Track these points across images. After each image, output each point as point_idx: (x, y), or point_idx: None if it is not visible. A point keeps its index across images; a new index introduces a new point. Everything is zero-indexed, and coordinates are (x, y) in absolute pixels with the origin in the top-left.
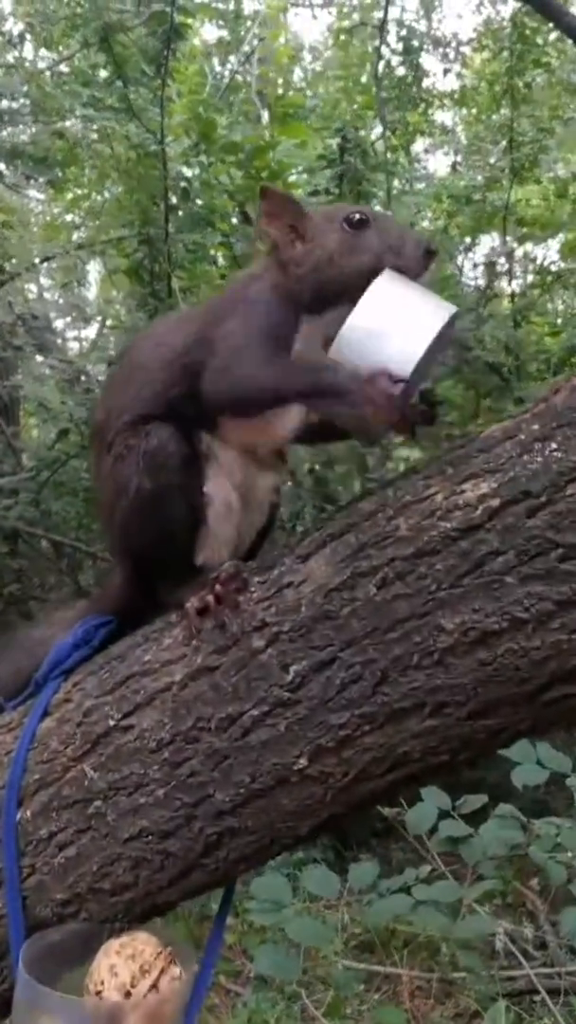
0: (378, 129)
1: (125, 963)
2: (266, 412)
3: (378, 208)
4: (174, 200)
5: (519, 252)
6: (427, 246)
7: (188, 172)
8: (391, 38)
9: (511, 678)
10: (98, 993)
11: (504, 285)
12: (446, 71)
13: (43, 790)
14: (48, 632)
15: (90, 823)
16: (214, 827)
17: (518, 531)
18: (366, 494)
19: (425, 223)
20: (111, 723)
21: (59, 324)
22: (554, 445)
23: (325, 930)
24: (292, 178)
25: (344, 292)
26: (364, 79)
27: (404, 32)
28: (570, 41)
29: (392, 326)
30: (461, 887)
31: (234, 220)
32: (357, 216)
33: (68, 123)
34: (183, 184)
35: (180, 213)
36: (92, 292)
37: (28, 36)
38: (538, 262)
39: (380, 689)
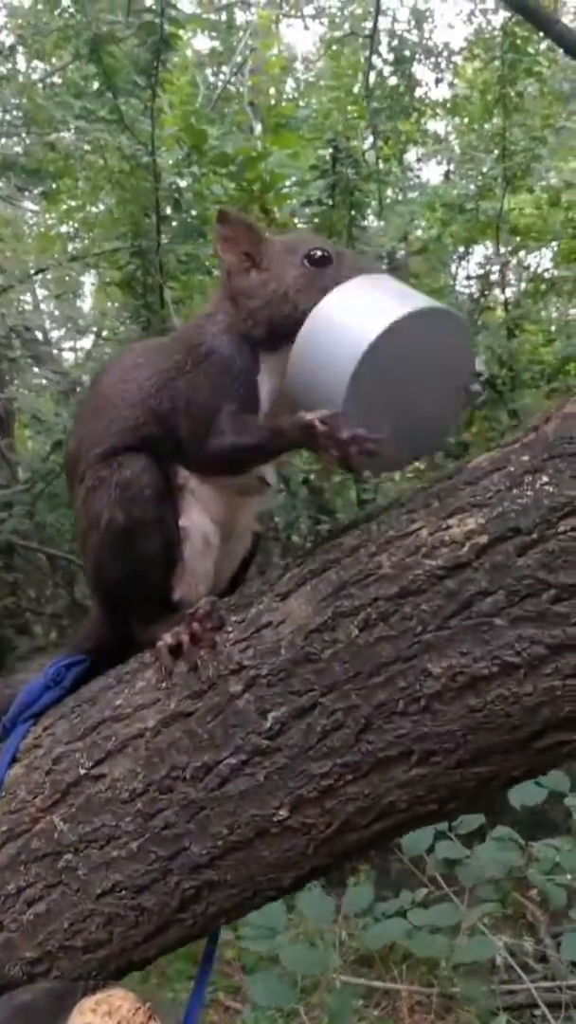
0: (371, 139)
1: (102, 1021)
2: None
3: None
4: (168, 211)
5: (512, 261)
6: None
7: (181, 183)
8: (383, 48)
9: (502, 725)
10: None
11: (498, 293)
12: (438, 81)
13: (11, 842)
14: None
15: (60, 877)
16: (191, 881)
17: (508, 570)
18: (347, 527)
19: (419, 232)
20: (81, 772)
21: (55, 335)
22: (545, 478)
23: (321, 955)
24: (284, 189)
25: (298, 330)
26: (356, 89)
27: (395, 42)
28: (561, 50)
29: (324, 355)
30: (459, 909)
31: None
32: (319, 252)
33: (61, 135)
34: (175, 195)
35: (174, 224)
36: (88, 303)
37: (20, 48)
38: (532, 270)
39: (364, 737)
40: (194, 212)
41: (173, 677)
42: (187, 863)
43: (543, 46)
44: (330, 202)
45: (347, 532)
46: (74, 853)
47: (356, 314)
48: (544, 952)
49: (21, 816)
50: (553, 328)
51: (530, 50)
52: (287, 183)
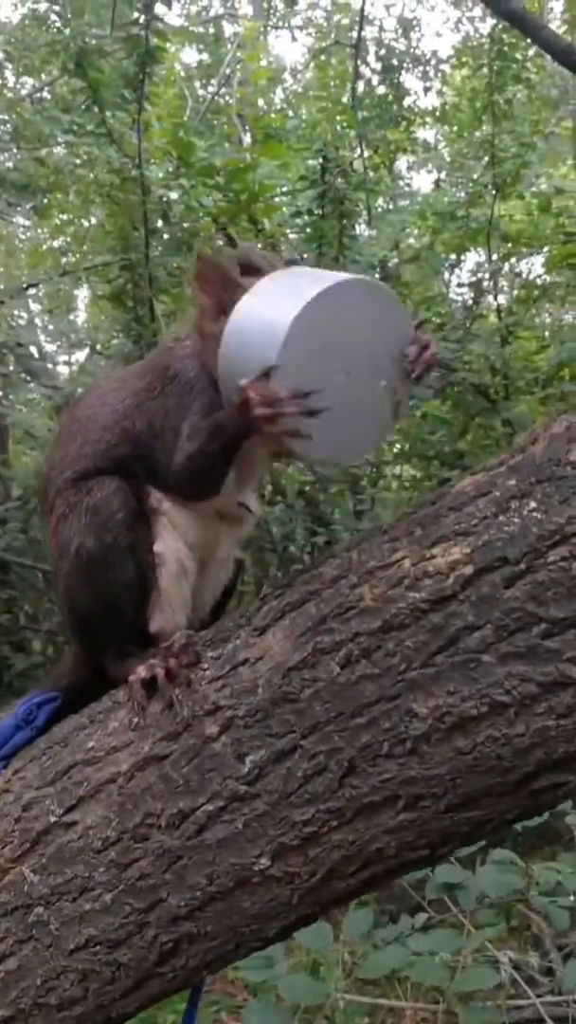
0: (359, 148)
1: None
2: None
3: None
4: (158, 224)
5: (504, 267)
6: None
7: (172, 195)
8: (370, 58)
9: (493, 768)
10: None
11: (491, 300)
12: (427, 89)
13: None
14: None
15: (32, 932)
16: (169, 934)
17: (495, 603)
18: (327, 557)
19: (410, 240)
20: (52, 819)
21: (49, 349)
22: (533, 504)
23: (320, 986)
24: (274, 199)
25: None
26: (344, 99)
27: (383, 51)
28: (548, 56)
29: (256, 328)
30: (459, 936)
31: (218, 243)
32: None
33: (51, 150)
34: (164, 208)
35: (165, 236)
36: (81, 317)
37: (8, 64)
38: (523, 276)
39: (347, 781)
40: (184, 224)
41: (147, 717)
42: (165, 915)
43: (531, 52)
44: (320, 212)
45: (327, 562)
46: (45, 906)
47: (286, 289)
48: (550, 966)
49: None
50: (547, 334)
51: (518, 56)
52: (276, 194)
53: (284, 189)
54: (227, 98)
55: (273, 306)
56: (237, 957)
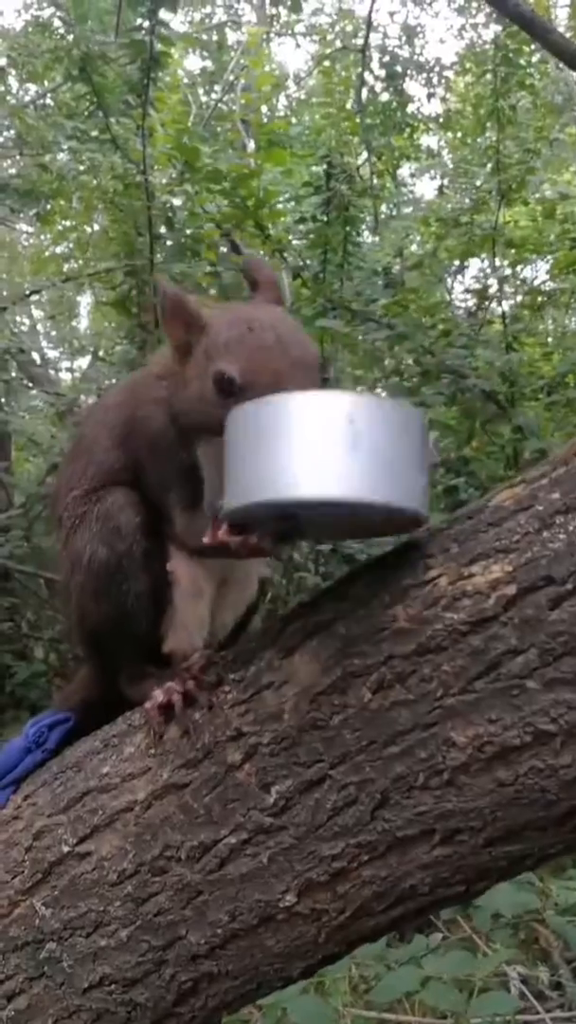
0: (364, 155)
1: None
2: None
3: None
4: (162, 230)
5: (509, 274)
6: None
7: (175, 202)
8: (374, 64)
9: (536, 800)
10: None
11: (495, 306)
12: (430, 96)
13: None
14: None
15: (43, 969)
16: (188, 973)
17: (540, 625)
18: (355, 574)
19: (413, 247)
20: (65, 849)
21: (51, 356)
22: None
23: (328, 1010)
24: (279, 206)
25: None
26: (348, 105)
27: (387, 58)
28: (552, 63)
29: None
30: (474, 957)
31: (222, 249)
32: (227, 377)
33: (55, 156)
34: (168, 214)
35: (168, 243)
36: (84, 324)
37: (12, 71)
38: (528, 283)
39: (380, 814)
40: (188, 231)
41: (165, 743)
42: (184, 953)
43: (536, 58)
44: (324, 219)
45: (354, 580)
46: (57, 942)
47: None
48: (559, 980)
49: None
50: (550, 340)
51: (522, 62)
52: (280, 199)
53: (287, 195)
54: (231, 105)
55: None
56: (258, 997)
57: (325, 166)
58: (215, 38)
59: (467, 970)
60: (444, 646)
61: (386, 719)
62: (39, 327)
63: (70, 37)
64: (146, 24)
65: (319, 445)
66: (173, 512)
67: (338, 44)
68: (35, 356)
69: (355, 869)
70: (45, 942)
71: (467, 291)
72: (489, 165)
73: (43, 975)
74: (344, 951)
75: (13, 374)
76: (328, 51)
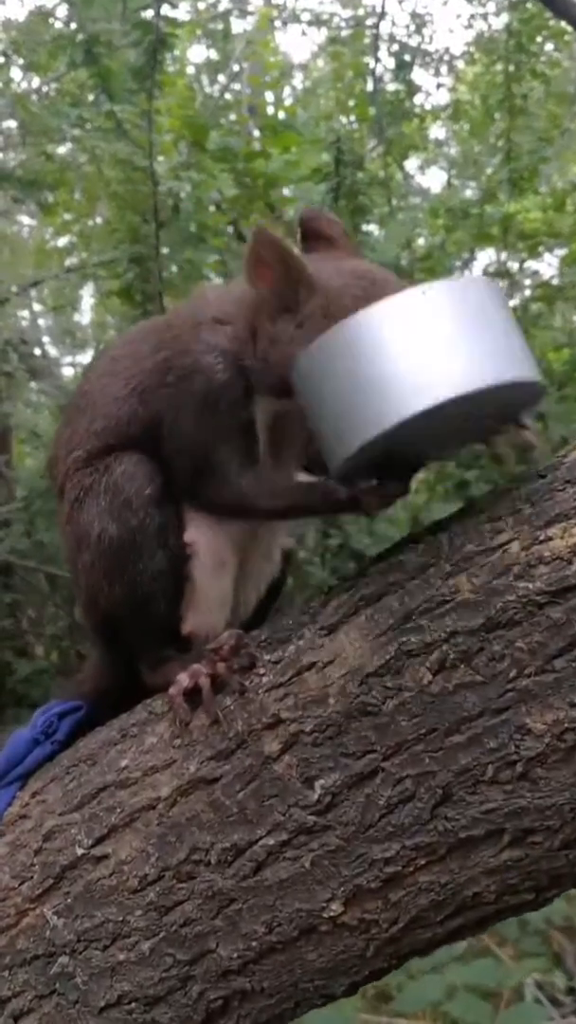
0: (372, 144)
1: None
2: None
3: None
4: (167, 216)
5: (518, 266)
6: None
7: (183, 190)
8: (382, 54)
9: None
10: None
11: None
12: (439, 86)
13: None
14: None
15: (54, 986)
16: (218, 990)
17: None
18: (408, 541)
19: (420, 240)
20: (79, 851)
21: (52, 350)
22: None
23: (343, 1017)
24: (286, 192)
25: None
26: (357, 90)
27: (395, 47)
28: (565, 53)
29: (356, 391)
30: (500, 965)
31: (229, 231)
32: None
33: (58, 147)
34: (172, 201)
35: (174, 233)
36: (86, 317)
37: (17, 60)
38: (539, 275)
39: (441, 812)
40: (192, 216)
41: (192, 732)
42: (213, 968)
43: (548, 47)
44: (333, 206)
45: (406, 548)
46: (71, 955)
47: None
48: (572, 986)
49: (4, 907)
50: (557, 334)
51: (533, 50)
52: (291, 182)
53: (295, 182)
54: (237, 95)
55: (431, 358)
56: (295, 1016)
57: (335, 151)
58: (220, 27)
59: (493, 980)
60: (517, 620)
61: (449, 704)
62: (40, 321)
63: (72, 25)
64: (150, 12)
65: (423, 344)
66: (228, 473)
67: (346, 32)
68: (36, 349)
69: (411, 874)
70: (57, 955)
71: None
72: (499, 156)
73: (54, 992)
74: (394, 966)
75: (15, 366)
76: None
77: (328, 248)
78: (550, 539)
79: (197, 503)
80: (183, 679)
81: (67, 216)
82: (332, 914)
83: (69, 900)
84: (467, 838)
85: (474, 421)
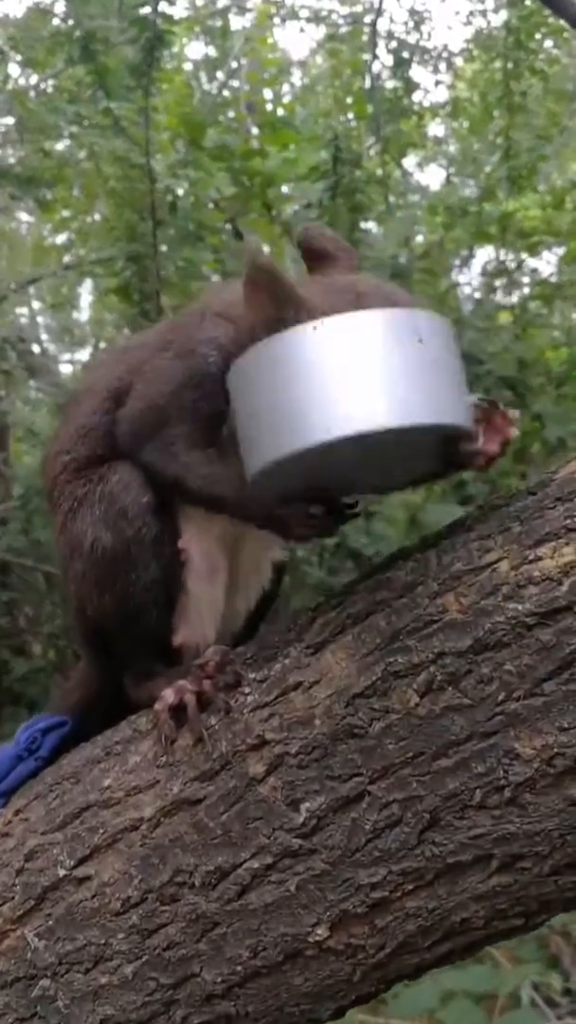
0: (370, 142)
1: None
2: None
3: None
4: (165, 215)
5: (516, 265)
6: None
7: (179, 188)
8: (380, 51)
9: None
10: None
11: (504, 296)
12: (437, 83)
13: None
14: None
15: (35, 1009)
16: (202, 1015)
17: None
18: (396, 557)
19: (419, 238)
20: (61, 872)
21: (51, 347)
22: None
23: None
24: (284, 189)
25: None
26: (355, 88)
27: (394, 44)
28: (564, 50)
29: (274, 411)
30: (496, 972)
31: (227, 230)
32: None
33: (57, 145)
34: (170, 198)
35: (171, 231)
36: (84, 315)
37: (16, 56)
38: (537, 273)
39: (428, 836)
40: (189, 215)
41: (176, 751)
42: (197, 992)
43: (547, 44)
44: (331, 204)
45: (393, 564)
46: (52, 978)
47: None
48: (569, 987)
49: None
50: (557, 333)
51: (532, 47)
52: (288, 181)
53: (293, 180)
54: (235, 92)
55: (356, 382)
56: None
57: (333, 150)
58: (219, 24)
59: (490, 986)
60: (506, 642)
61: (436, 727)
62: (39, 318)
63: (70, 22)
64: (147, 9)
65: (335, 375)
66: (178, 446)
67: (344, 29)
68: (34, 347)
69: (398, 900)
70: (38, 978)
71: (484, 275)
72: (498, 153)
73: (35, 1015)
74: (381, 990)
75: (12, 363)
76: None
77: (328, 264)
78: (540, 559)
79: (130, 461)
80: (168, 695)
81: (65, 213)
82: (318, 939)
83: (51, 922)
84: (455, 863)
85: (414, 454)
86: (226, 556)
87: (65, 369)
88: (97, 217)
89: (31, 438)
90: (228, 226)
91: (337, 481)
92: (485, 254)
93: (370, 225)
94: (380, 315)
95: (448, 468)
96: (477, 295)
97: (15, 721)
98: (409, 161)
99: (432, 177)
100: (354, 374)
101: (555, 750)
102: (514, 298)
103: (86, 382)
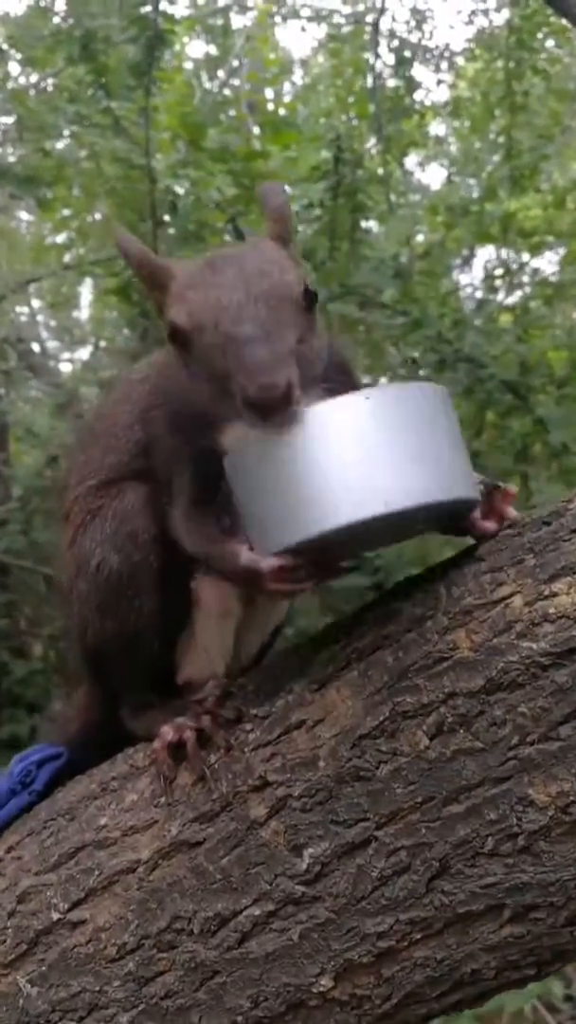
0: (371, 141)
1: None
2: None
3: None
4: (167, 217)
5: (518, 266)
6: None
7: (179, 188)
8: (382, 50)
9: None
10: None
11: (505, 297)
12: (439, 82)
13: None
14: None
15: None
16: None
17: None
18: (404, 587)
19: (420, 237)
20: (55, 916)
21: (51, 346)
22: None
23: None
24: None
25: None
26: (357, 87)
27: (396, 43)
28: (565, 50)
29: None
30: None
31: (227, 235)
32: (175, 326)
33: (57, 144)
34: (171, 199)
35: (172, 232)
36: (84, 314)
37: (15, 55)
38: (538, 273)
39: (437, 885)
40: (192, 217)
41: (175, 791)
42: None
43: (549, 43)
44: (332, 204)
45: (403, 595)
46: None
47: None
48: (570, 994)
49: None
50: (558, 333)
51: (534, 46)
52: (288, 186)
53: (294, 179)
54: (237, 88)
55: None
56: None
57: (335, 149)
58: (220, 23)
59: (494, 1006)
60: (520, 682)
61: (447, 771)
62: (39, 317)
63: (70, 21)
64: (148, 8)
65: (342, 459)
66: (178, 500)
67: (346, 28)
68: (34, 346)
69: (405, 949)
70: None
71: (486, 276)
72: (499, 153)
73: None
74: None
75: (13, 363)
76: (340, 29)
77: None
78: (555, 594)
79: (147, 485)
80: (167, 731)
81: (65, 212)
82: (322, 989)
83: (44, 968)
84: (465, 913)
85: (425, 520)
86: (241, 601)
87: (65, 368)
88: (98, 216)
89: (30, 438)
90: (229, 226)
91: (331, 549)
92: (486, 254)
93: (371, 224)
94: (395, 393)
95: (447, 531)
96: (479, 295)
97: (15, 723)
98: (410, 160)
99: (433, 177)
100: (384, 453)
101: (571, 797)
102: (515, 298)
103: (109, 411)
